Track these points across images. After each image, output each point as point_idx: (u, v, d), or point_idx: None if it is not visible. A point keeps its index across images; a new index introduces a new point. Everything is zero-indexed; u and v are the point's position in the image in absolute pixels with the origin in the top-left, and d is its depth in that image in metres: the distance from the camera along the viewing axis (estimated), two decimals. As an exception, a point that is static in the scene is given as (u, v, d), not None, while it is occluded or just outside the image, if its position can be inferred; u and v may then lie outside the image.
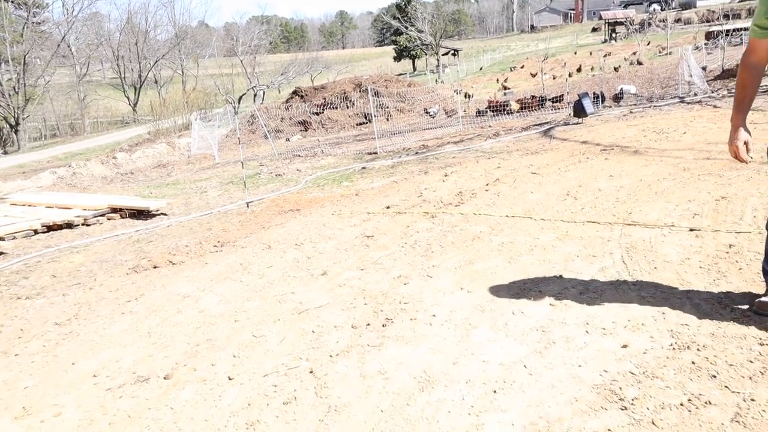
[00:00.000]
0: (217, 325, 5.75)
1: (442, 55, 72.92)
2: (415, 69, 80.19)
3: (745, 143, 4.41)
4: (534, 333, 4.87)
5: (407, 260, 6.95)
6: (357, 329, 5.31)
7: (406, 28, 71.63)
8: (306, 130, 28.16)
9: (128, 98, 72.61)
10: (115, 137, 51.39)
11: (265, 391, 4.49)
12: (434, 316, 5.39)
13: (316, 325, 5.50)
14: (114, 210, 12.02)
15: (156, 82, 73.63)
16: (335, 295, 6.17)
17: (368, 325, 5.36)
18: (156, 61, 70.46)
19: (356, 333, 5.24)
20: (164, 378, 4.86)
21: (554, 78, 40.20)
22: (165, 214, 11.91)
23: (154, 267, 8.18)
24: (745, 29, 42.20)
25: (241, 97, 55.99)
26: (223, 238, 9.30)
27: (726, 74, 23.98)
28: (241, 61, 59.29)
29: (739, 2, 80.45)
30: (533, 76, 45.34)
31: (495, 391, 4.15)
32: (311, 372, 4.68)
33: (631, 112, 17.34)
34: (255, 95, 57.44)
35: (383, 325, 5.31)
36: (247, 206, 11.45)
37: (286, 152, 20.61)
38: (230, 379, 4.72)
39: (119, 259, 9.09)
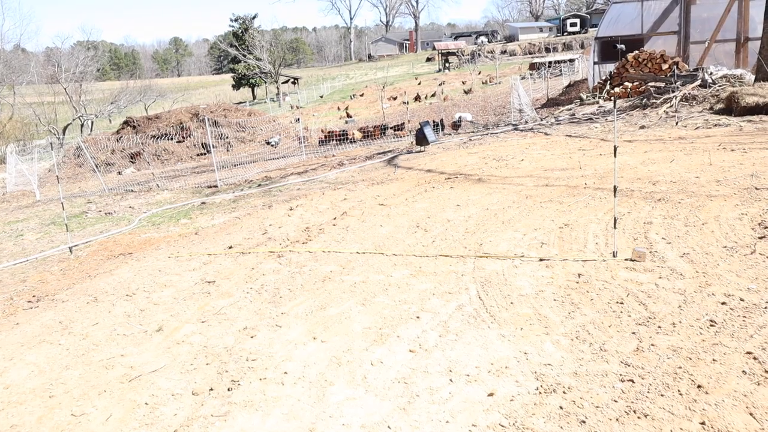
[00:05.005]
0: (27, 404, 4.84)
1: (282, 83, 72.35)
2: (254, 97, 78.88)
3: None
4: (396, 386, 4.50)
5: (253, 308, 6.36)
6: (198, 396, 4.67)
7: (244, 56, 70.47)
8: (139, 163, 26.46)
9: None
10: None
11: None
12: (286, 373, 4.87)
13: (150, 394, 4.78)
14: None
15: (-36, 111, 66.21)
16: (173, 355, 5.46)
17: (211, 390, 4.73)
18: (-37, 88, 63.31)
19: (198, 401, 4.60)
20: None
21: (400, 101, 41.10)
22: (-30, 265, 10.36)
23: (-48, 332, 6.95)
24: (564, 61, 45.75)
25: (66, 128, 51.90)
26: (41, 291, 8.16)
27: (551, 103, 25.60)
28: (65, 89, 55.04)
29: (555, 37, 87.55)
30: (394, 99, 45.89)
31: (359, 463, 3.72)
32: (143, 457, 4.00)
33: (470, 139, 17.87)
34: (82, 125, 53.45)
35: (229, 389, 4.71)
36: (71, 251, 10.24)
37: (117, 187, 19.09)
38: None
39: None
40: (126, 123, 31.84)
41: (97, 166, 23.05)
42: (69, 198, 17.44)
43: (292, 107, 57.71)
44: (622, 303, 5.44)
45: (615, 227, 6.75)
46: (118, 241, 10.82)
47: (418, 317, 5.65)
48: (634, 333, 4.88)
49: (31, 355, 5.83)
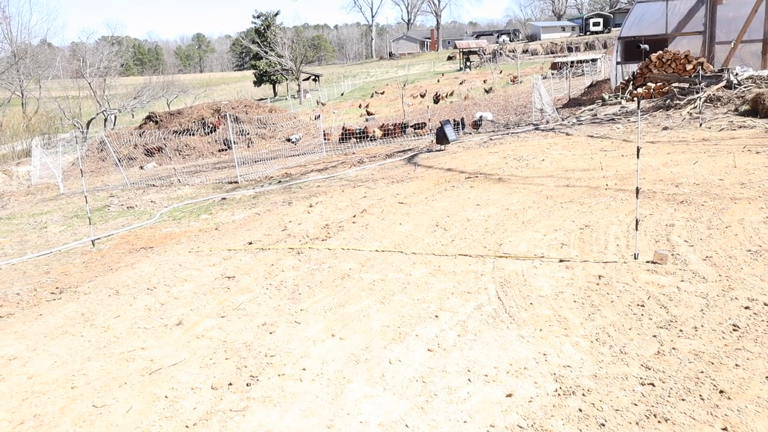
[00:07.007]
0: (50, 395, 4.91)
1: (303, 80, 72.58)
2: (276, 94, 79.14)
3: None
4: (414, 385, 4.50)
5: (273, 304, 6.40)
6: (217, 391, 4.71)
7: (266, 52, 70.76)
8: (160, 157, 26.69)
9: (-43, 122, 65.51)
10: (-57, 165, 46.18)
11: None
12: (304, 370, 4.89)
13: (170, 387, 4.83)
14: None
15: (-10, 104, 67.01)
16: (192, 349, 5.50)
17: (230, 384, 4.77)
18: (-11, 82, 64.13)
19: (217, 396, 4.63)
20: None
21: (423, 99, 41.04)
22: (-5, 256, 10.52)
23: (-23, 322, 7.05)
24: (586, 61, 45.38)
25: (90, 122, 52.43)
26: (64, 282, 8.27)
27: (572, 103, 25.40)
28: (90, 84, 55.59)
29: (577, 36, 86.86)
30: (422, 96, 45.68)
31: (376, 461, 3.73)
32: (163, 450, 4.03)
33: (491, 139, 17.81)
34: (105, 120, 54.03)
35: (248, 384, 4.74)
36: (93, 244, 10.36)
37: (139, 182, 19.28)
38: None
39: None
40: (148, 118, 32.11)
41: (119, 161, 23.30)
42: (92, 191, 17.64)
43: (318, 103, 57.79)
44: (643, 306, 5.40)
45: (636, 229, 6.69)
46: (140, 235, 10.92)
47: (436, 316, 5.64)
48: (655, 336, 4.83)
49: (54, 346, 5.91)
